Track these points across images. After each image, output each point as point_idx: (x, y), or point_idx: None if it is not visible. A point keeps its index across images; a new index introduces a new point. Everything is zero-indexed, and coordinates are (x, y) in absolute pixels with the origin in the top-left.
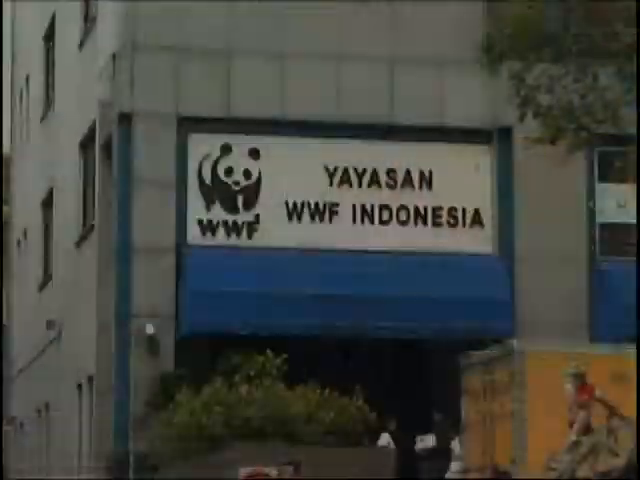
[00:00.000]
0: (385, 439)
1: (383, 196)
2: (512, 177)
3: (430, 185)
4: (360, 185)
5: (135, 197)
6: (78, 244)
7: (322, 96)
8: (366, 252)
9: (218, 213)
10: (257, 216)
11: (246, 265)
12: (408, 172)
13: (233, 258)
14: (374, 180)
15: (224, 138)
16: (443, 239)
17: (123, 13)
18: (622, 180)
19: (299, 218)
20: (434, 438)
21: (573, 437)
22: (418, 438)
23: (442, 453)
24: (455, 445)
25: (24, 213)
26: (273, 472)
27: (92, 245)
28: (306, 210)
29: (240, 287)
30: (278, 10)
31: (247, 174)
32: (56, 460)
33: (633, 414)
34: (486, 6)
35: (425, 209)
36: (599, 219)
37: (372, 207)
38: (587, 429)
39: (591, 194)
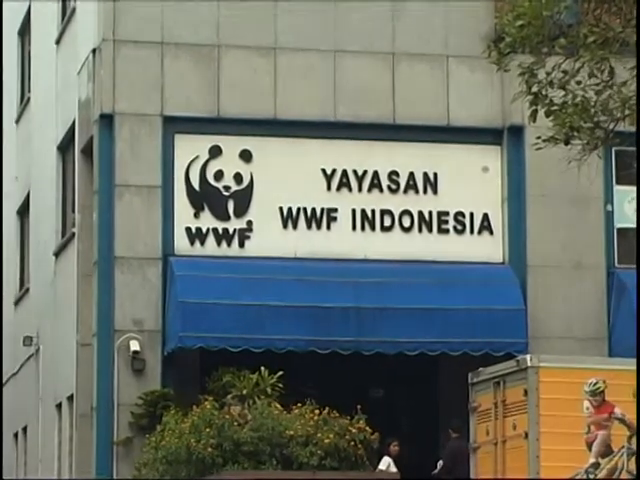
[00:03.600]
0: (385, 462)
1: (385, 201)
2: (523, 179)
3: (435, 189)
4: (360, 189)
5: (118, 204)
6: (57, 254)
7: (318, 94)
8: (367, 261)
9: (207, 220)
10: (249, 223)
11: (238, 276)
12: (411, 175)
13: (224, 268)
14: (375, 184)
15: (213, 139)
16: (449, 246)
17: (104, 6)
18: None
19: (294, 225)
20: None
21: (592, 459)
22: (439, 463)
23: (459, 473)
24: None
25: None
26: None
27: (72, 255)
28: (302, 216)
29: (231, 299)
30: (270, 1)
31: (238, 178)
32: None
33: None
34: None
35: (430, 214)
36: (617, 224)
37: (373, 213)
38: (606, 451)
39: (609, 197)
